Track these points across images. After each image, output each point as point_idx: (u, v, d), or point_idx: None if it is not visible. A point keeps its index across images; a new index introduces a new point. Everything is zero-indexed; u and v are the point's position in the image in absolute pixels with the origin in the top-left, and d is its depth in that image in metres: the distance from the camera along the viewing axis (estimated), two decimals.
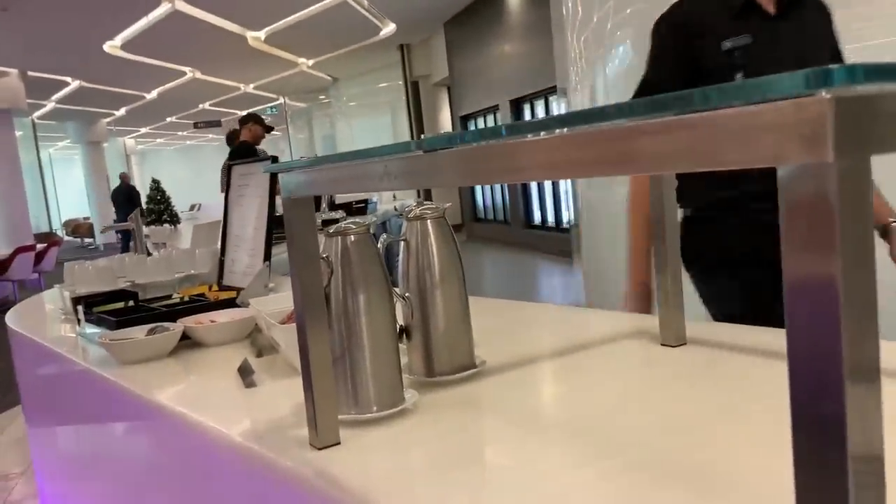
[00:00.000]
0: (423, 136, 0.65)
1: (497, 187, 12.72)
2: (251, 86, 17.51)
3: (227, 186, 2.10)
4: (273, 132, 7.06)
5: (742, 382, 1.06)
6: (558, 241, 9.54)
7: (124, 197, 14.80)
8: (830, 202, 0.35)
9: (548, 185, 10.89)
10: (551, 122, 0.51)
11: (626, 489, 0.76)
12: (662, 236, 1.23)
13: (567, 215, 10.06)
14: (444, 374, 1.15)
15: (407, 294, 1.16)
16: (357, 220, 1.05)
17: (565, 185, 9.64)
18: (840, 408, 0.36)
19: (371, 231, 1.05)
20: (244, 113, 6.94)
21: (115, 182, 17.11)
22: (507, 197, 12.25)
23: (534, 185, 11.36)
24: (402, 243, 1.18)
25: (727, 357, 1.18)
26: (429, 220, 1.17)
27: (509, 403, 1.08)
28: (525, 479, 0.80)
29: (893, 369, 0.97)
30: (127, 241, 10.22)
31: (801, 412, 0.38)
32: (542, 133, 0.51)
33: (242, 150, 5.58)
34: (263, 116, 6.78)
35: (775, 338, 1.26)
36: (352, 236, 1.00)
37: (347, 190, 0.89)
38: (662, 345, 1.25)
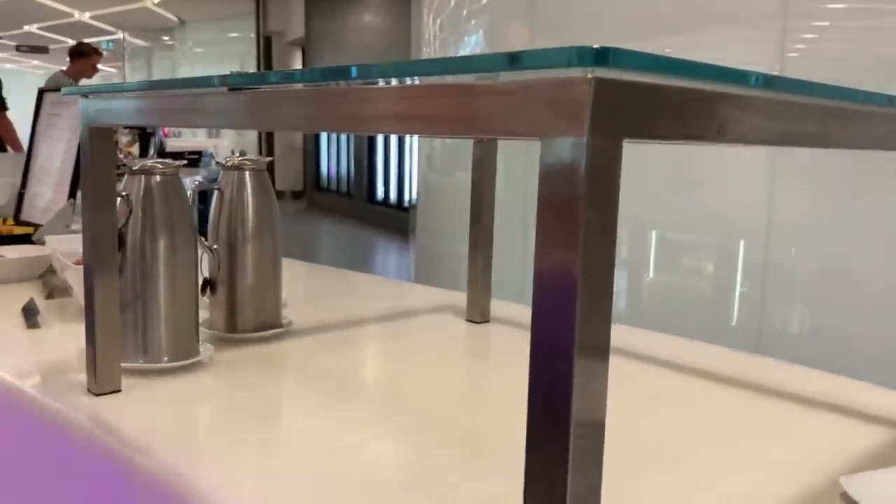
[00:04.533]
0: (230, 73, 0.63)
1: (343, 159, 12.57)
2: (87, 14, 16.10)
3: (35, 115, 1.92)
4: (100, 66, 6.49)
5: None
6: (398, 220, 9.60)
7: None
8: (580, 177, 0.37)
9: (394, 161, 10.91)
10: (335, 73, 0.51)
11: (405, 448, 0.78)
12: (478, 214, 1.27)
13: (409, 195, 10.14)
14: (246, 331, 1.13)
15: (215, 246, 1.12)
16: (168, 161, 1.00)
17: (411, 164, 9.72)
18: (569, 375, 0.39)
19: (198, 181, 1.00)
20: (75, 43, 6.38)
21: None
22: (353, 169, 12.16)
23: (380, 161, 11.34)
24: (215, 192, 1.14)
25: (526, 336, 1.24)
26: (247, 172, 1.13)
27: (308, 365, 1.07)
28: (309, 437, 0.81)
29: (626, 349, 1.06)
30: None
31: (536, 377, 0.41)
32: (344, 83, 0.51)
33: (63, 81, 5.13)
34: (102, 50, 6.25)
35: None
36: (157, 176, 0.95)
37: (151, 122, 0.84)
38: (468, 321, 1.29)
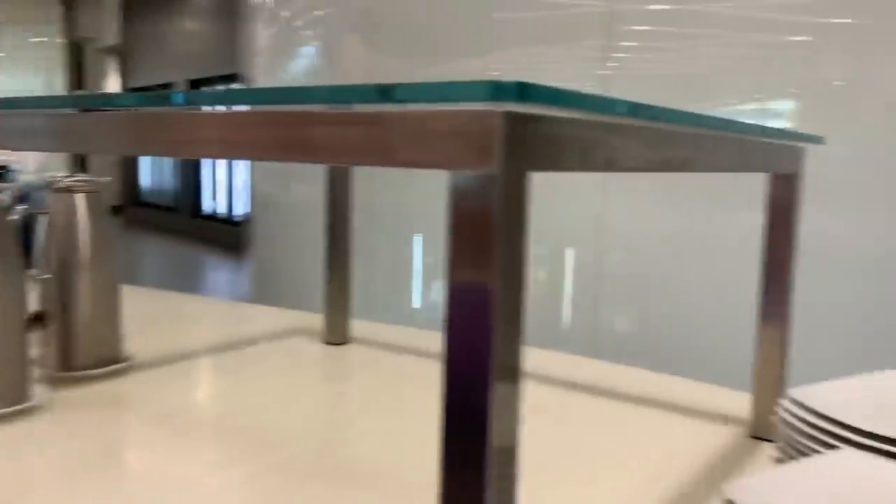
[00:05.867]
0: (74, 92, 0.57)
1: (167, 171, 11.93)
2: None
3: None
4: None
5: (398, 381, 1.11)
6: (229, 235, 9.24)
7: None
8: (493, 210, 0.36)
9: (221, 174, 10.50)
10: (231, 96, 0.47)
11: (275, 489, 0.74)
12: (335, 232, 1.24)
13: (240, 208, 9.79)
14: (84, 368, 1.02)
15: (47, 276, 1.01)
16: None
17: (242, 177, 9.39)
18: (485, 403, 0.38)
19: (8, 203, 0.90)
20: None
21: None
22: (178, 182, 11.56)
23: (206, 173, 10.88)
24: (43, 218, 1.03)
25: (387, 356, 1.23)
26: (79, 194, 1.03)
27: (157, 402, 0.99)
28: (164, 484, 0.74)
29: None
30: None
31: (451, 406, 0.39)
32: (219, 107, 0.47)
33: None
34: None
35: (436, 338, 1.35)
36: None
37: None
38: (326, 343, 1.26)
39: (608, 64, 1.98)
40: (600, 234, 2.06)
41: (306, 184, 3.05)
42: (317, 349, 1.24)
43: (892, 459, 0.60)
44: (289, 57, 3.97)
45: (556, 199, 2.15)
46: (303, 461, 0.80)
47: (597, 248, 2.08)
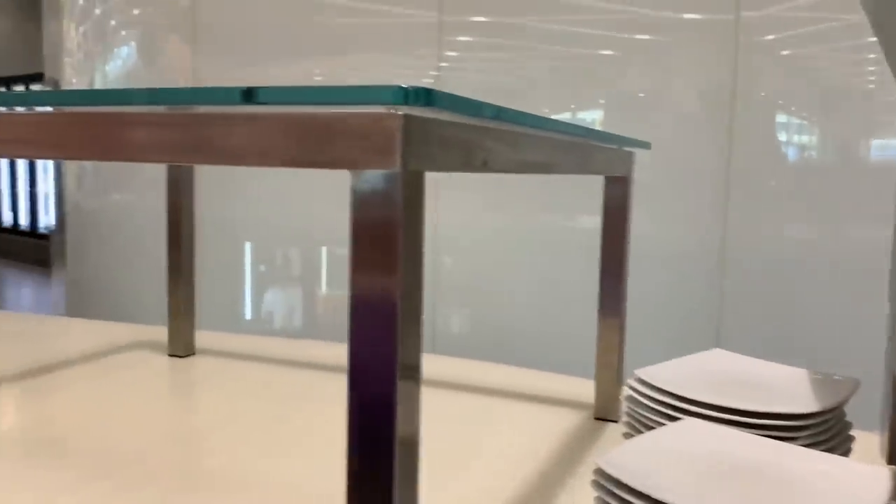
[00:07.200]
0: None
1: None
2: None
3: None
4: None
5: (246, 389, 1.09)
6: (34, 249, 8.47)
7: None
8: (397, 205, 0.38)
9: (22, 184, 9.61)
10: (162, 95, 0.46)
11: (141, 501, 0.71)
12: (177, 240, 1.19)
13: (45, 220, 9.01)
14: None
15: None
16: None
17: (45, 187, 8.66)
18: (392, 398, 0.40)
19: None
20: None
21: None
22: None
23: (4, 184, 9.91)
24: None
25: (234, 365, 1.20)
26: None
27: None
28: None
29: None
30: None
31: (358, 401, 0.41)
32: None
33: None
34: None
35: (281, 345, 1.34)
36: None
37: None
38: (170, 355, 1.21)
39: (432, 73, 2.05)
40: (436, 241, 2.13)
41: (123, 192, 2.89)
42: (161, 361, 1.19)
43: (729, 426, 0.69)
44: (103, 57, 3.73)
45: None
46: (159, 476, 0.77)
47: (435, 254, 2.14)
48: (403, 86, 0.37)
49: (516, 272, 2.07)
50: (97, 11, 3.97)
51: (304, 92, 0.40)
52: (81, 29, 4.09)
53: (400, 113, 0.38)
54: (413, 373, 0.41)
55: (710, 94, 1.72)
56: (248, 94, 0.43)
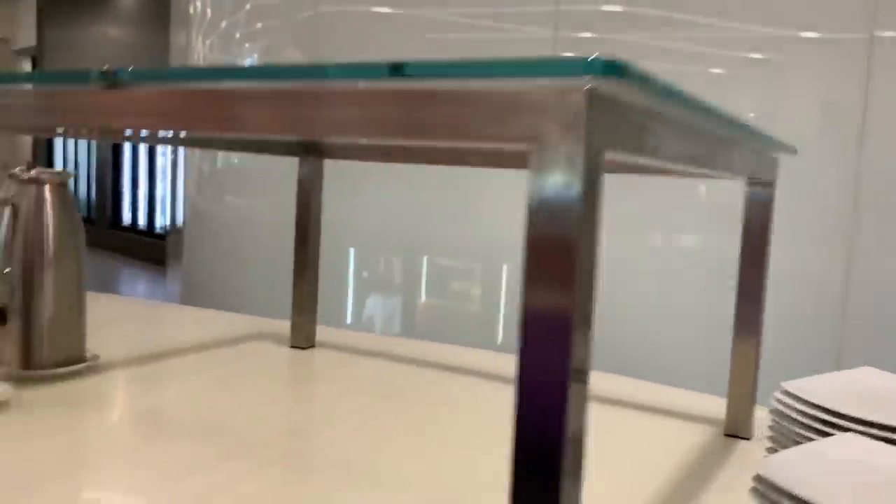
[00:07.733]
0: None
1: (82, 180, 11.48)
2: None
3: None
4: None
5: (365, 384, 1.10)
6: (151, 248, 8.94)
7: None
8: (575, 197, 0.37)
9: (143, 185, 10.18)
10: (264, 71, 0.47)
11: (266, 487, 0.73)
12: (304, 237, 1.22)
13: (162, 220, 9.50)
14: (46, 367, 0.98)
15: (8, 269, 0.97)
16: None
17: (162, 190, 9.15)
18: (563, 401, 0.39)
19: None
20: None
21: None
22: (95, 192, 11.13)
23: (126, 183, 10.53)
24: (6, 209, 0.98)
25: (353, 360, 1.22)
26: (47, 185, 0.99)
27: (123, 403, 0.96)
28: (144, 485, 0.71)
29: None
30: None
31: (525, 406, 0.40)
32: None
33: None
34: None
35: (395, 344, 1.35)
36: None
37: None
38: (292, 347, 1.24)
39: None
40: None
41: (239, 196, 3.01)
42: (283, 352, 1.22)
43: (885, 443, 0.64)
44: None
45: (486, 216, 2.18)
46: (286, 461, 0.79)
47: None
48: (595, 58, 0.36)
49: (623, 288, 2.02)
50: (223, 24, 4.16)
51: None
52: (208, 42, 4.30)
53: (587, 86, 0.37)
54: (585, 377, 0.40)
55: (835, 110, 1.64)
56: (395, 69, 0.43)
